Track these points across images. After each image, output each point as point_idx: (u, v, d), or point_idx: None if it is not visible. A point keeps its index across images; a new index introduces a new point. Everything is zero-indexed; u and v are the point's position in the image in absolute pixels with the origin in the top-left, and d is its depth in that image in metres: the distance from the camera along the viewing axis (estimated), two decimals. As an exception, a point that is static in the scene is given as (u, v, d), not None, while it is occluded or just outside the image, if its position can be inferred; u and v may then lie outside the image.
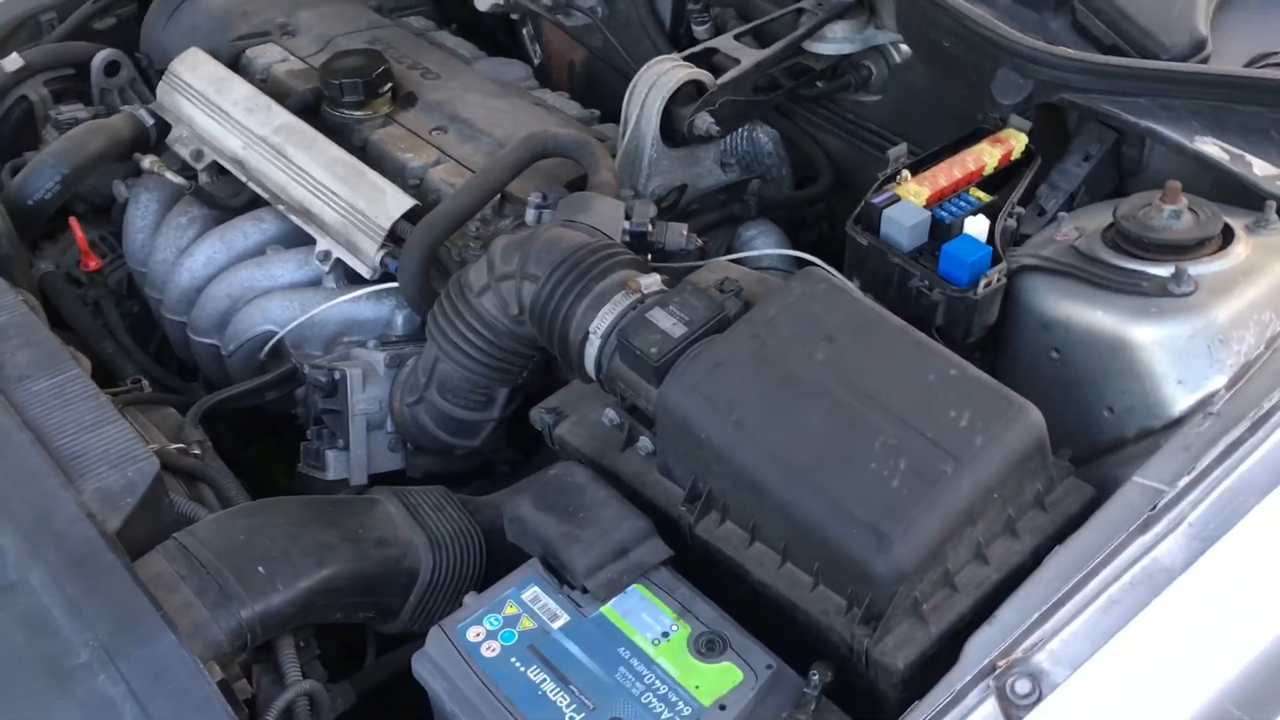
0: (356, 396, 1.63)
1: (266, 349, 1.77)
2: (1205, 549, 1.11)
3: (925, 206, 1.45)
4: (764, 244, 1.85)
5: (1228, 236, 1.37)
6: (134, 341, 2.01)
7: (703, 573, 1.28)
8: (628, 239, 1.55)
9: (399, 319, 1.73)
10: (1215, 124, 1.50)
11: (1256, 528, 1.12)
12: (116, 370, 1.92)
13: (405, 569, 1.38)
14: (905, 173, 1.49)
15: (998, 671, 1.07)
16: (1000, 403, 1.21)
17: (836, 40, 1.89)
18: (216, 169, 1.95)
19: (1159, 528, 1.13)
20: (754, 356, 1.27)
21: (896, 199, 1.45)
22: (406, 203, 1.71)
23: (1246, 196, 1.45)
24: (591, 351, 1.39)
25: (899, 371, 1.24)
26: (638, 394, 1.36)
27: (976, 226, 1.39)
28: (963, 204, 1.46)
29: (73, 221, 1.90)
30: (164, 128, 2.01)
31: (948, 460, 1.17)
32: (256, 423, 1.90)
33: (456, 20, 2.45)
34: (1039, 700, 1.04)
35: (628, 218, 1.57)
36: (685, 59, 1.79)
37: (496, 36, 2.53)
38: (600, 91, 2.20)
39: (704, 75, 1.75)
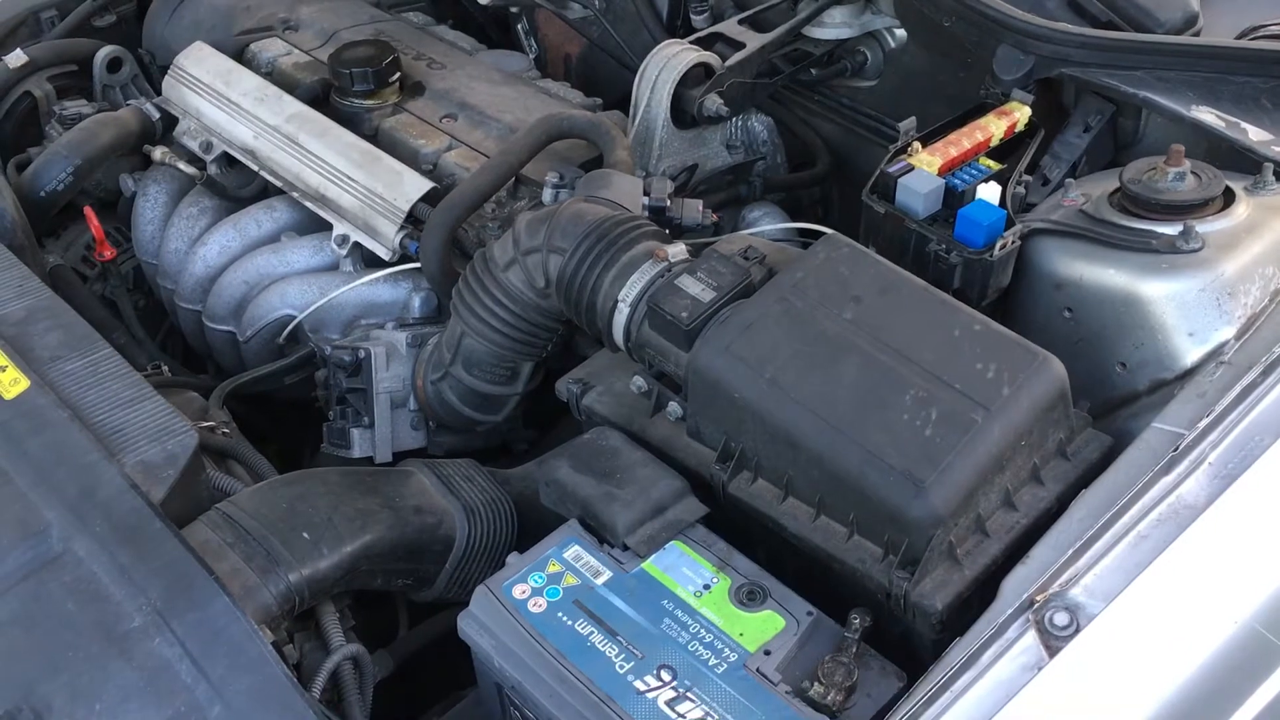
0: (381, 375, 1.66)
1: (285, 333, 1.79)
2: (1226, 486, 1.16)
3: (938, 175, 1.49)
4: (769, 224, 1.89)
5: (1229, 197, 1.43)
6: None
7: (732, 532, 1.32)
8: (647, 214, 1.58)
9: (416, 301, 1.75)
10: (1209, 94, 1.57)
11: (1273, 465, 1.17)
12: (130, 360, 1.92)
13: (442, 536, 1.41)
14: (916, 144, 1.54)
15: (1036, 606, 1.11)
16: (1025, 354, 1.26)
17: (835, 25, 1.95)
18: (226, 160, 1.97)
19: (1181, 468, 1.18)
20: (784, 317, 1.31)
21: (911, 168, 1.50)
22: (425, 185, 1.73)
23: (1238, 162, 1.52)
24: (620, 320, 1.42)
25: (925, 328, 1.29)
26: (667, 359, 1.39)
27: (990, 192, 1.44)
28: (974, 172, 1.52)
29: (88, 211, 1.91)
30: (170, 121, 2.02)
31: (977, 409, 1.22)
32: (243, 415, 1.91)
33: (450, 18, 2.48)
34: (1077, 631, 1.09)
35: (646, 194, 1.60)
36: (692, 43, 1.83)
37: (489, 34, 2.56)
38: (597, 85, 2.24)
39: (712, 58, 1.80)
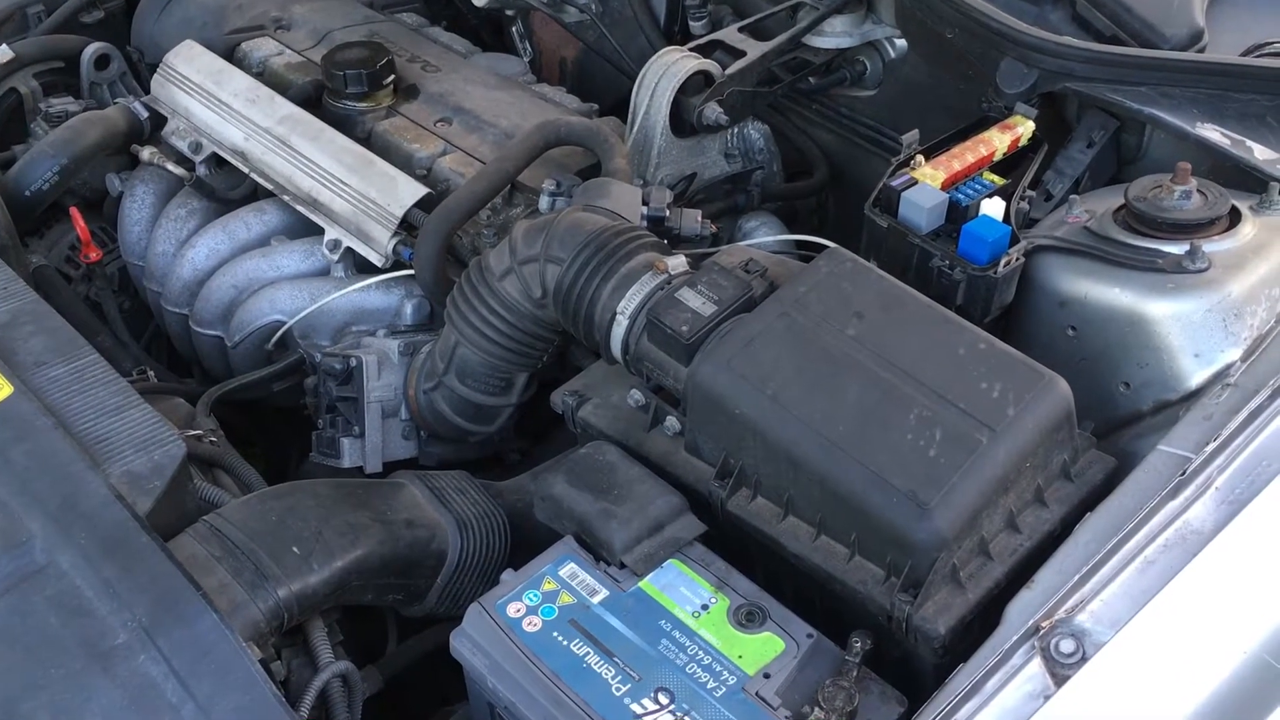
0: (372, 383, 1.63)
1: (274, 339, 1.76)
2: (1235, 512, 1.14)
3: (941, 189, 1.48)
4: (766, 234, 1.87)
5: (1235, 217, 1.41)
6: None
7: (730, 550, 1.30)
8: (646, 224, 1.56)
9: (408, 308, 1.73)
10: (1214, 111, 1.56)
11: (1282, 491, 1.16)
12: (114, 365, 1.88)
13: (434, 550, 1.38)
14: (919, 157, 1.52)
15: (1041, 633, 1.09)
16: (1030, 374, 1.24)
17: (835, 34, 1.93)
18: (216, 161, 1.94)
19: (1188, 492, 1.16)
20: (786, 333, 1.29)
21: (914, 182, 1.48)
22: (419, 190, 1.71)
23: (1242, 180, 1.50)
24: (619, 332, 1.40)
25: (929, 345, 1.27)
26: (665, 373, 1.37)
27: (994, 207, 1.42)
28: (978, 187, 1.50)
29: (74, 211, 1.88)
30: (158, 121, 1.99)
31: (982, 430, 1.20)
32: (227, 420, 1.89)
33: (443, 19, 2.46)
34: (1084, 659, 1.07)
35: (645, 203, 1.58)
36: (692, 50, 1.81)
37: (482, 36, 2.54)
38: (592, 90, 2.22)
39: (712, 66, 1.78)
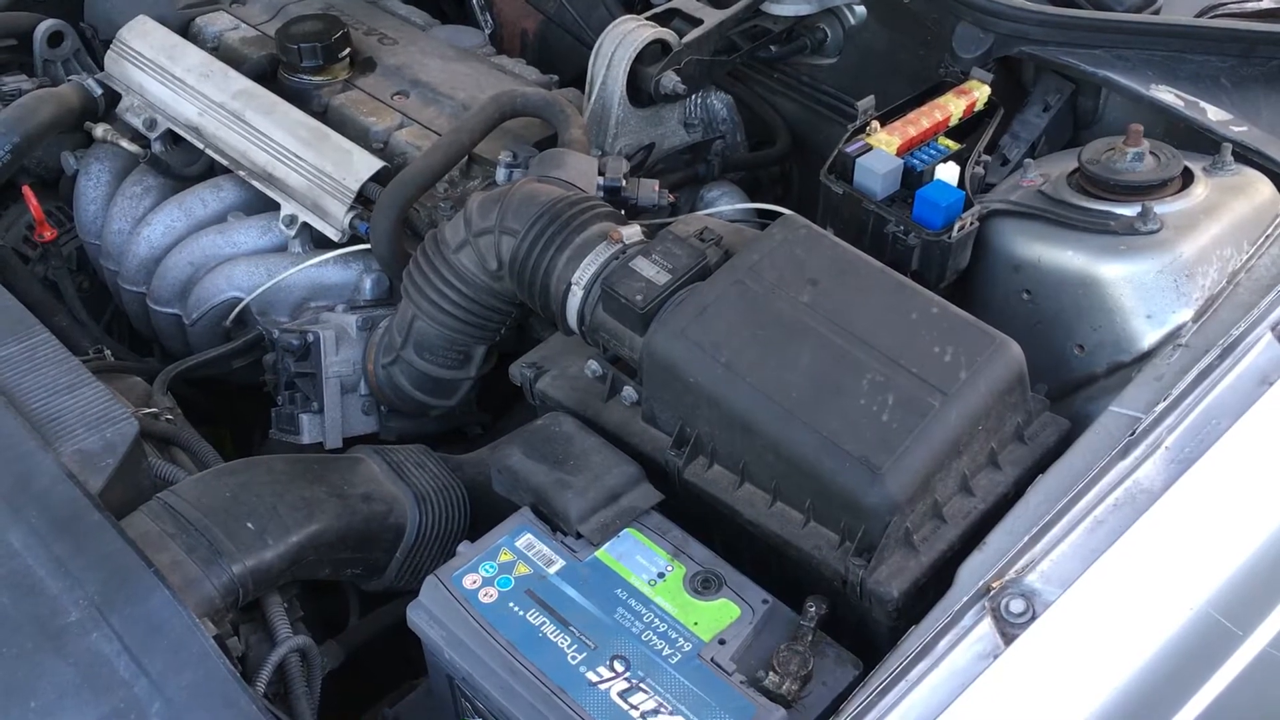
0: (330, 359, 1.62)
1: (232, 316, 1.75)
2: (1183, 471, 1.15)
3: (896, 155, 1.47)
4: (727, 204, 1.86)
5: (1188, 178, 1.42)
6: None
7: (687, 519, 1.30)
8: (602, 194, 1.56)
9: (367, 282, 1.72)
10: (1168, 73, 1.56)
11: (1230, 449, 1.17)
12: (72, 344, 1.86)
13: (392, 524, 1.38)
14: (874, 123, 1.51)
15: (992, 593, 1.10)
16: (982, 338, 1.25)
17: (794, 2, 1.92)
18: (171, 137, 1.92)
19: (1138, 452, 1.17)
20: (740, 300, 1.29)
21: (869, 148, 1.48)
22: (375, 164, 1.69)
23: (1197, 142, 1.51)
24: (574, 303, 1.39)
25: (882, 311, 1.27)
26: (621, 343, 1.37)
27: (948, 172, 1.42)
28: (933, 152, 1.50)
29: (26, 190, 1.86)
30: (113, 98, 1.97)
31: (934, 394, 1.20)
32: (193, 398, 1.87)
33: (403, -10, 2.43)
34: (1033, 618, 1.07)
35: (601, 173, 1.57)
36: (649, 19, 1.80)
37: (443, 8, 2.51)
38: (553, 61, 2.21)
39: (669, 34, 1.77)
